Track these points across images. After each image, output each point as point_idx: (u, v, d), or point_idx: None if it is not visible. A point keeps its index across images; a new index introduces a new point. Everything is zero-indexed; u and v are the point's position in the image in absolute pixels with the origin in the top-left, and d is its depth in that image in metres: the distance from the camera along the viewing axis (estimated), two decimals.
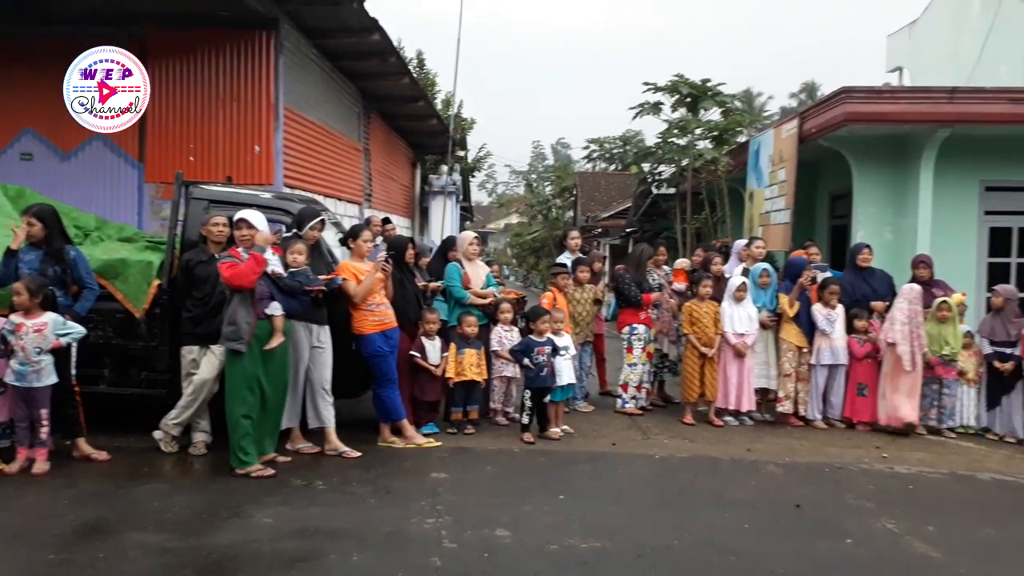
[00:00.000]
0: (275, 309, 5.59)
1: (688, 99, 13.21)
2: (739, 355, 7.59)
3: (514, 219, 49.46)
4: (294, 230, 6.11)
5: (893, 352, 7.44)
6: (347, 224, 8.09)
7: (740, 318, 7.65)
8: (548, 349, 6.85)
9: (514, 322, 7.56)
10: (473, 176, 20.79)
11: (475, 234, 7.95)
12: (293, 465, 5.86)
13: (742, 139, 13.28)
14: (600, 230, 28.12)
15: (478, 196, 67.41)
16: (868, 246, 8.06)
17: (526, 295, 8.91)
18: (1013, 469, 6.49)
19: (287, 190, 8.97)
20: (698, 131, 12.91)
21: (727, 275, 8.19)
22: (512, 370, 7.22)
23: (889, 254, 9.21)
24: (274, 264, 5.67)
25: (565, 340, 7.12)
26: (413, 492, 5.32)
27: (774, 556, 4.38)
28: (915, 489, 5.84)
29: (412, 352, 6.76)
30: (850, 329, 7.72)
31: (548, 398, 6.92)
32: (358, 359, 6.33)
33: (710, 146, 12.75)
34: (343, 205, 11.81)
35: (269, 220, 5.87)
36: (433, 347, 6.86)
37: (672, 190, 14.71)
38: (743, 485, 5.76)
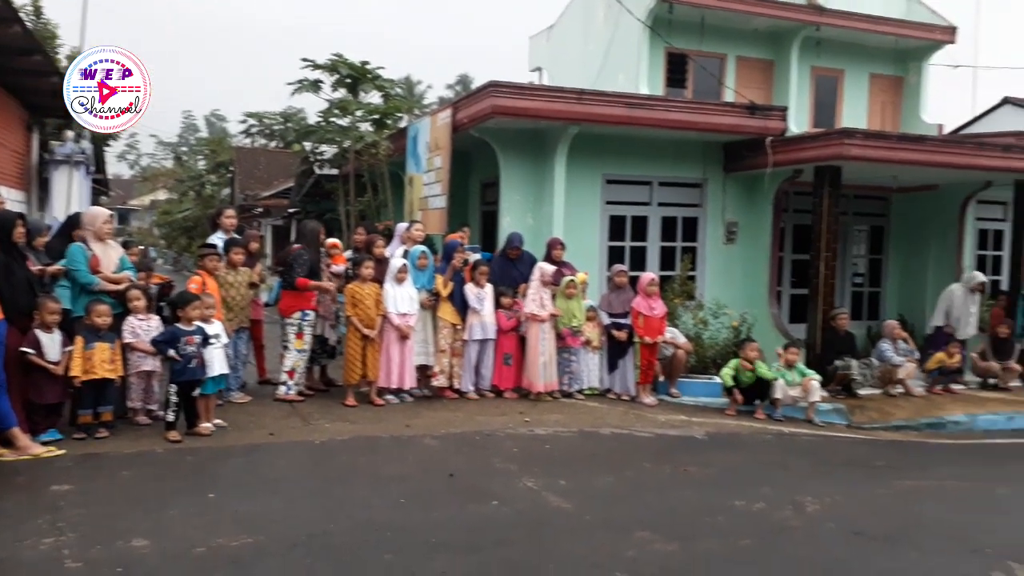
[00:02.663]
0: None
1: (348, 80, 13.15)
2: (403, 336, 7.77)
3: (162, 195, 45.08)
4: None
5: (531, 325, 8.25)
6: None
7: (402, 299, 7.83)
8: (197, 338, 6.33)
9: (158, 310, 6.86)
10: (109, 145, 18.42)
11: (109, 211, 7.04)
12: None
13: (403, 124, 13.58)
14: (261, 210, 26.88)
15: (117, 168, 60.22)
16: (519, 236, 8.86)
17: (174, 280, 8.16)
18: (627, 423, 7.57)
19: None
20: (359, 113, 12.91)
21: (389, 257, 8.33)
22: (153, 363, 6.54)
23: (531, 237, 10.11)
24: None
25: (216, 328, 6.64)
26: (27, 510, 4.56)
27: (428, 526, 4.56)
28: (551, 448, 6.52)
29: (23, 348, 5.78)
30: (498, 305, 8.36)
31: (198, 391, 6.41)
32: None
33: (371, 129, 12.84)
34: None
35: None
36: (52, 341, 5.93)
37: (335, 171, 14.56)
38: (401, 461, 5.93)
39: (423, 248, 8.31)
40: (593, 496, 5.32)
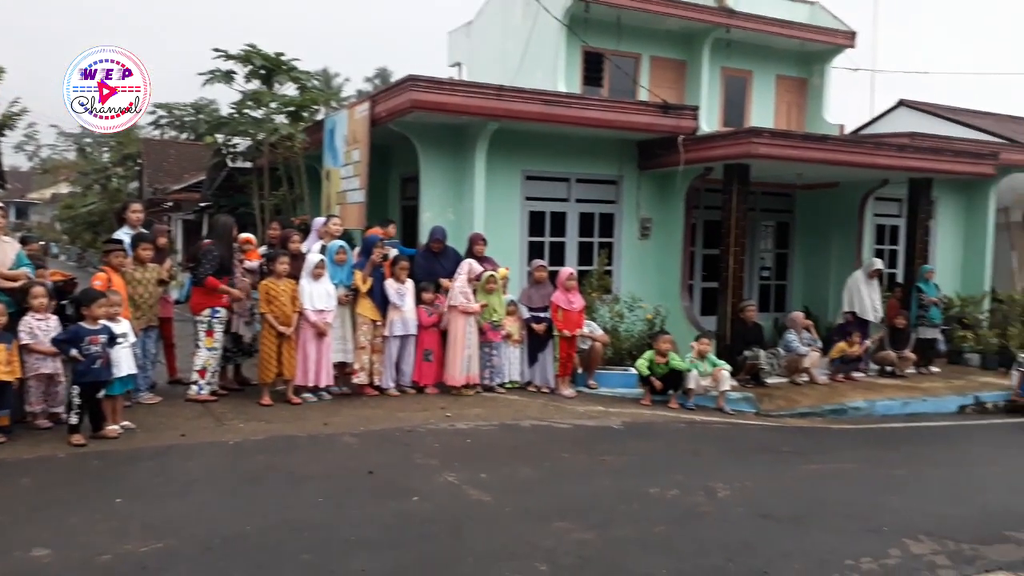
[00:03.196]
0: None
1: (262, 71, 12.80)
2: (320, 333, 7.65)
3: (64, 189, 42.83)
4: None
5: (456, 319, 8.26)
6: None
7: (319, 295, 7.71)
8: (103, 338, 6.07)
9: (59, 309, 6.55)
10: (4, 135, 17.39)
11: (2, 204, 6.66)
12: None
13: (320, 117, 13.33)
14: (171, 204, 25.86)
15: (14, 160, 56.84)
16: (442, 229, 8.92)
17: (77, 277, 7.78)
18: (547, 415, 7.67)
19: None
20: (273, 105, 12.59)
21: (306, 252, 8.18)
22: (53, 365, 6.23)
23: (452, 232, 10.10)
24: None
25: (123, 326, 6.39)
26: None
27: (347, 524, 4.53)
28: (472, 442, 6.55)
29: None
30: (419, 301, 8.33)
31: (103, 393, 6.15)
32: None
33: (286, 121, 12.54)
34: None
35: None
36: None
37: (249, 164, 14.15)
38: (319, 460, 5.85)
39: (341, 243, 8.20)
40: (513, 488, 5.38)
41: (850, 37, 15.03)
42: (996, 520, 5.20)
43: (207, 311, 7.47)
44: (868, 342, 11.08)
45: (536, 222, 11.12)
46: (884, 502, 5.57)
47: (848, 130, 15.90)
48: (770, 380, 9.97)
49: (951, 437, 8.51)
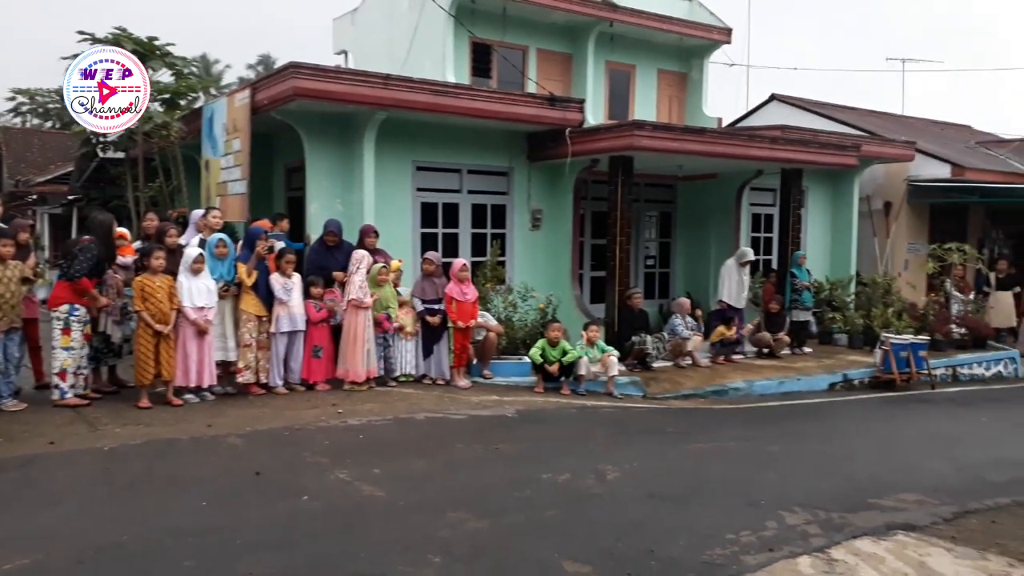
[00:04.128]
0: None
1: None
2: (201, 331, 7.33)
3: None
4: None
5: (351, 313, 8.12)
6: None
7: (198, 291, 7.38)
8: None
9: None
10: None
11: None
12: None
13: (199, 105, 12.74)
14: (35, 197, 24.11)
15: None
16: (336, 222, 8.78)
17: None
18: (442, 407, 7.67)
19: None
20: None
21: (184, 246, 7.81)
22: None
23: (342, 224, 9.92)
24: None
25: None
26: None
27: (233, 527, 4.37)
28: (364, 438, 6.46)
29: None
30: (307, 295, 8.12)
31: None
32: None
33: (161, 109, 11.92)
34: None
35: None
36: None
37: (122, 154, 13.36)
38: (203, 463, 5.62)
39: (221, 236, 7.88)
40: (407, 481, 5.35)
41: (726, 33, 15.68)
42: (862, 489, 5.59)
43: (64, 307, 6.95)
44: (750, 325, 11.67)
45: (428, 213, 11.05)
46: (761, 477, 5.89)
47: (725, 123, 16.60)
48: (656, 364, 10.32)
49: (822, 413, 9.07)
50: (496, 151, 11.43)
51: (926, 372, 10.86)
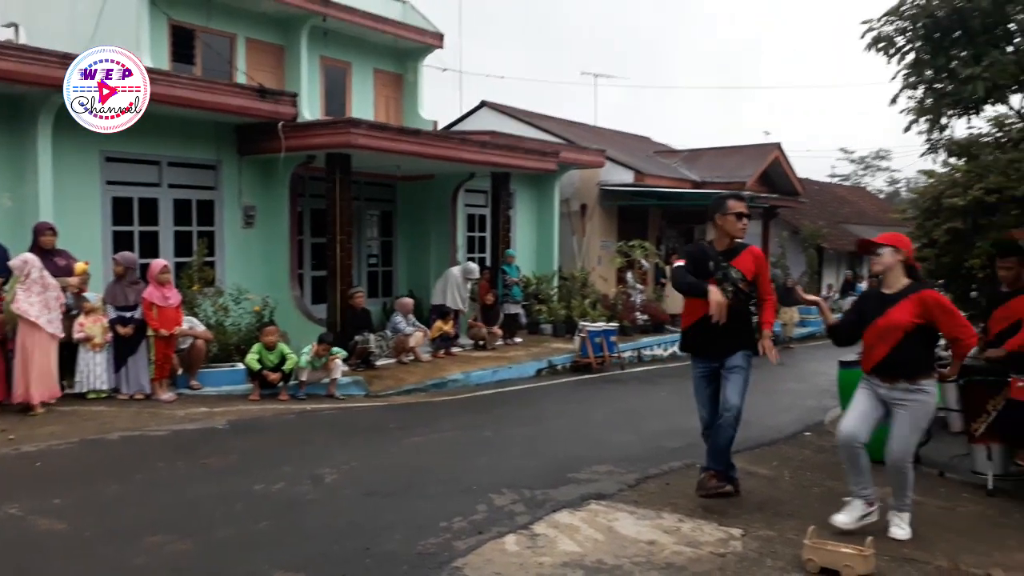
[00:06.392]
0: None
1: None
2: None
3: None
4: None
5: (27, 327, 7.08)
6: None
7: None
8: None
9: None
10: None
11: None
12: None
13: None
14: None
15: None
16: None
17: None
18: (140, 424, 7.00)
19: None
20: None
21: None
22: None
23: (11, 222, 8.63)
24: None
25: None
26: None
27: None
28: (43, 466, 5.69)
29: None
30: None
31: None
32: None
33: None
34: None
35: None
36: None
37: None
38: None
39: None
40: (95, 509, 4.81)
41: (438, 38, 16.16)
42: (562, 465, 6.09)
43: None
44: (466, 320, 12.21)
45: (123, 209, 10.01)
46: (475, 463, 6.19)
47: (441, 126, 17.14)
48: (380, 362, 10.39)
49: (529, 398, 9.76)
50: (202, 143, 10.70)
51: (617, 355, 12.18)
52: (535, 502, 5.14)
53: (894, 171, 45.05)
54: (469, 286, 12.37)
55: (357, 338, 10.13)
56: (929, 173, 8.00)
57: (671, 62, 79.14)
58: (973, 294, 7.54)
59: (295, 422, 7.64)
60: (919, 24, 6.37)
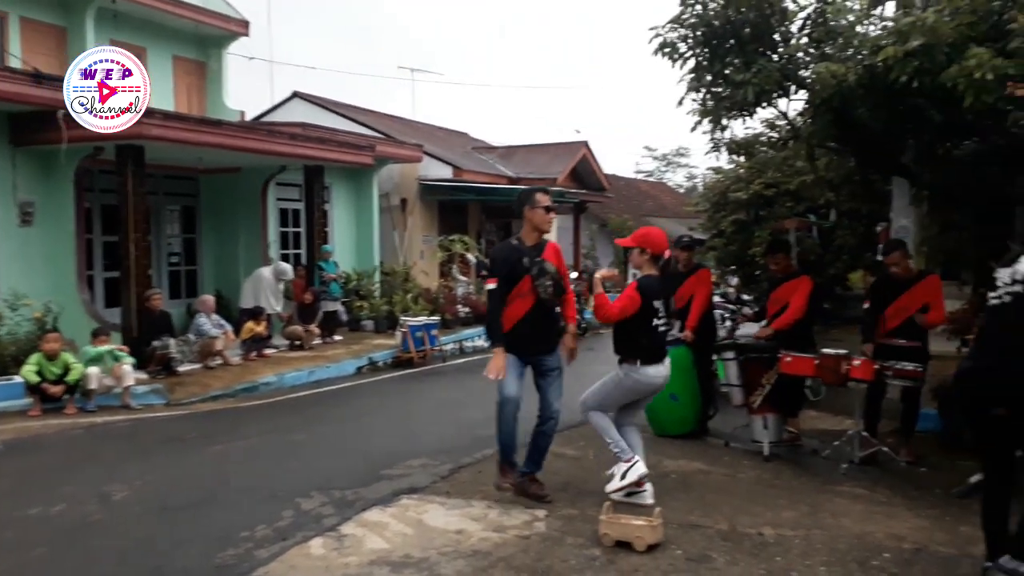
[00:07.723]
0: None
1: None
2: None
3: None
4: None
5: None
6: None
7: None
8: None
9: None
10: None
11: None
12: None
13: None
14: None
15: None
16: None
17: None
18: None
19: None
20: None
21: None
22: None
23: None
24: None
25: None
26: None
27: None
28: None
29: None
30: None
31: None
32: None
33: None
34: None
35: None
36: None
37: None
38: None
39: None
40: None
41: (244, 25, 15.40)
42: (376, 463, 6.02)
43: None
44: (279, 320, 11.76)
45: None
46: (283, 468, 5.98)
47: (250, 117, 16.37)
48: (182, 368, 9.75)
49: (347, 396, 9.57)
50: None
51: (438, 348, 12.24)
52: (345, 503, 5.06)
53: (692, 167, 48.50)
54: (282, 287, 11.96)
55: (155, 343, 9.45)
56: (717, 170, 8.74)
57: (483, 58, 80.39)
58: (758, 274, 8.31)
59: (82, 437, 7.01)
60: (698, 32, 6.89)
